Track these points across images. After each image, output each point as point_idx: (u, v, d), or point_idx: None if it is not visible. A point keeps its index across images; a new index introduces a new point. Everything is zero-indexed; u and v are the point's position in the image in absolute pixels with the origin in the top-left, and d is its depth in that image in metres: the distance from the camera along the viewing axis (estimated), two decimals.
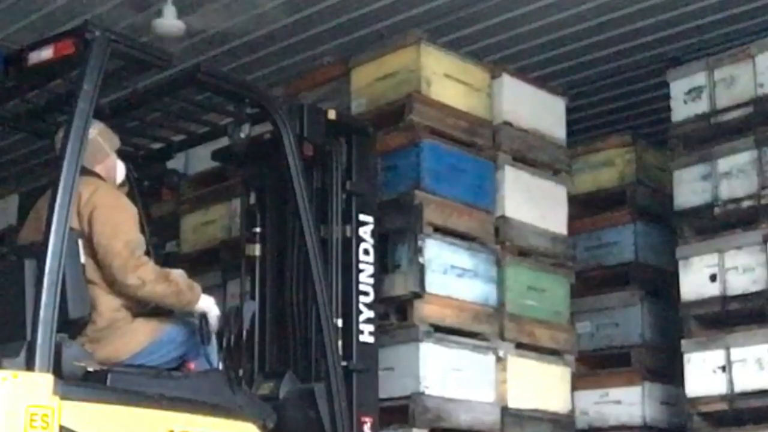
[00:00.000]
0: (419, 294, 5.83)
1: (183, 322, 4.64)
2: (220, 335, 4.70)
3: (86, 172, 4.42)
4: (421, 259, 5.84)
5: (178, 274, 4.55)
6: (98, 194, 4.39)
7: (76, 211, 4.27)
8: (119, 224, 4.37)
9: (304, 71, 7.21)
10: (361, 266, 5.45)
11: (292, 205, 5.26)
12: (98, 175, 4.56)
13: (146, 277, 4.35)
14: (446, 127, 6.24)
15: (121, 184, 4.83)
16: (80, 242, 4.21)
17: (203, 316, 4.56)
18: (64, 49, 4.28)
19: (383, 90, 6.25)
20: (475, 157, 6.35)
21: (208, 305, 4.62)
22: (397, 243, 5.93)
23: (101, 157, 4.62)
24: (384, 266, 5.80)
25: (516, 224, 6.48)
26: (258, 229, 5.55)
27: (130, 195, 4.87)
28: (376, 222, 5.56)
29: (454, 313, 6.02)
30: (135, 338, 4.43)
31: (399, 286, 5.85)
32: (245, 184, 5.76)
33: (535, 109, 6.80)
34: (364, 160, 5.56)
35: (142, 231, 4.65)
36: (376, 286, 5.51)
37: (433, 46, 6.29)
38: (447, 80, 6.31)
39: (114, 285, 4.35)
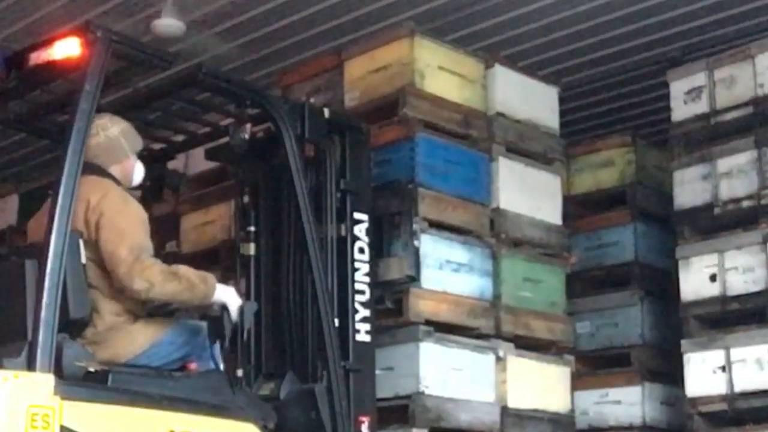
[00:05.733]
0: (415, 278, 5.81)
1: (185, 324, 4.63)
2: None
3: (100, 172, 4.41)
4: (416, 243, 5.83)
5: (187, 269, 4.49)
6: (106, 200, 4.34)
7: (84, 219, 4.27)
8: (124, 230, 4.32)
9: (297, 63, 7.23)
10: (357, 265, 5.44)
11: (287, 203, 5.27)
12: (112, 176, 4.53)
13: (154, 278, 4.30)
14: (440, 120, 6.22)
15: (137, 186, 4.80)
16: (82, 243, 4.21)
17: (224, 309, 4.48)
18: (65, 50, 4.27)
19: (377, 83, 6.24)
20: (470, 149, 6.34)
21: (228, 296, 4.54)
22: (392, 229, 5.91)
23: (120, 158, 4.57)
24: (380, 252, 5.77)
25: (511, 216, 6.46)
26: (252, 228, 5.54)
27: (143, 197, 4.84)
28: (371, 220, 5.54)
29: (449, 308, 6.01)
30: (135, 341, 4.41)
31: (394, 270, 5.80)
32: (239, 182, 5.74)
33: (528, 98, 6.77)
34: (358, 158, 5.56)
35: (152, 235, 4.61)
36: (372, 285, 5.50)
37: (426, 39, 6.26)
38: (441, 72, 6.28)
39: (123, 291, 4.32)
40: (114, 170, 4.55)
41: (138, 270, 4.28)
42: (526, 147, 6.70)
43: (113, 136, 4.47)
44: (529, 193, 6.62)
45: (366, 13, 7.35)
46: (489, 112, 6.52)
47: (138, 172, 4.71)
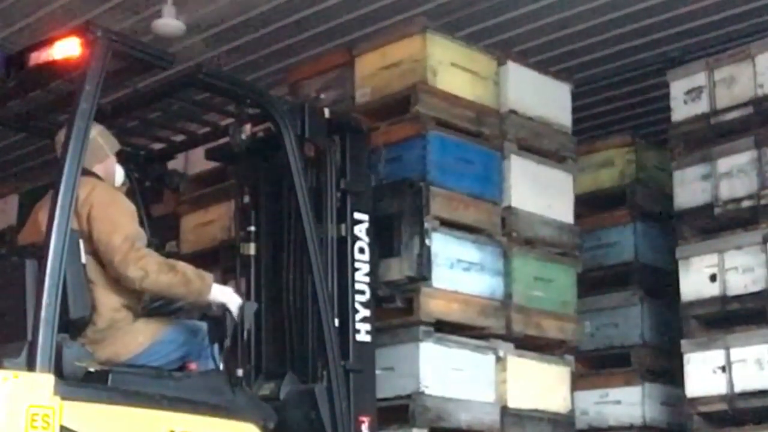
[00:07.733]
0: (426, 277, 5.76)
1: (184, 323, 4.64)
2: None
3: (84, 172, 4.42)
4: (427, 241, 5.79)
5: (184, 264, 4.51)
6: (95, 193, 4.39)
7: (75, 213, 4.27)
8: (117, 220, 4.37)
9: (307, 59, 7.20)
10: (357, 265, 5.43)
11: (287, 203, 5.26)
12: (96, 176, 4.56)
13: (149, 267, 4.31)
14: (452, 117, 6.18)
15: (121, 185, 4.83)
16: (81, 242, 4.21)
17: (227, 309, 4.49)
18: (65, 50, 4.28)
19: (388, 79, 6.20)
20: (482, 147, 6.31)
21: (226, 296, 4.55)
22: (402, 227, 5.85)
23: (101, 157, 4.61)
24: (389, 251, 5.74)
25: (523, 214, 6.42)
26: (252, 228, 5.53)
27: (130, 194, 4.87)
28: (371, 220, 5.53)
29: (460, 308, 5.99)
30: (135, 339, 4.42)
31: (404, 269, 5.74)
32: (239, 182, 5.74)
33: (540, 96, 6.73)
34: (359, 158, 5.54)
35: (143, 227, 4.64)
36: (372, 285, 5.49)
37: (438, 35, 6.22)
38: (453, 69, 6.24)
39: (118, 281, 4.34)
40: (97, 170, 4.58)
41: (133, 258, 4.30)
42: (539, 145, 6.65)
43: (92, 137, 4.46)
44: (541, 192, 6.57)
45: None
46: (501, 109, 6.47)
47: (119, 173, 4.77)
